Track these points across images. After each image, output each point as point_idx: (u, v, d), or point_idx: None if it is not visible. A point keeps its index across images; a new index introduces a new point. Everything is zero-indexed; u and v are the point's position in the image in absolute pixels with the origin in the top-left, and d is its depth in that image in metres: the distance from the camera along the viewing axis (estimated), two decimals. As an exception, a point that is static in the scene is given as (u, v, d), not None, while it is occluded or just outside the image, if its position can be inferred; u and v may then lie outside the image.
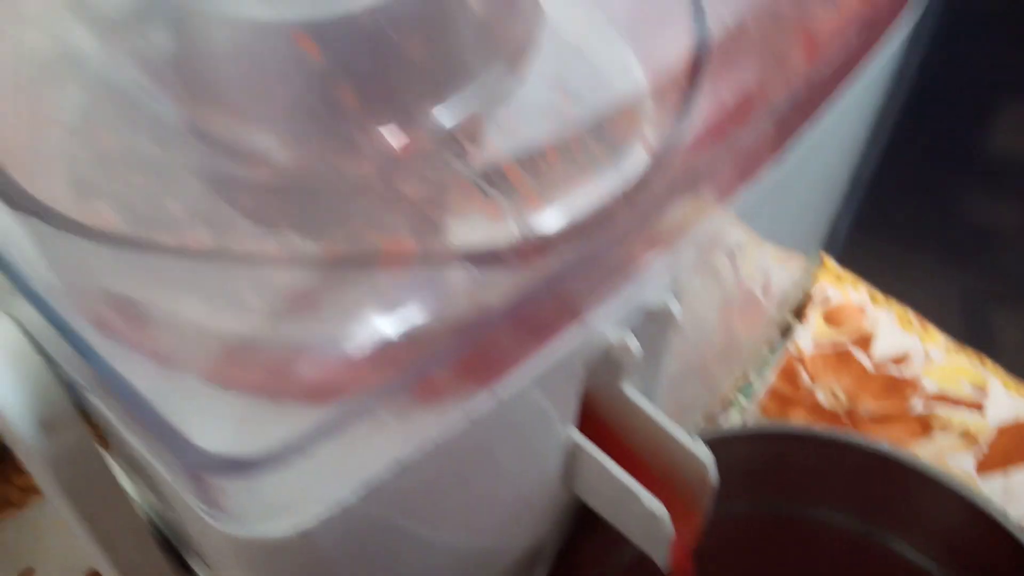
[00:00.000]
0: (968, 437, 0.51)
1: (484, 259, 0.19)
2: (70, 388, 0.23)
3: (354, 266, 0.19)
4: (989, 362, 0.53)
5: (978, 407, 0.52)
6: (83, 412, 0.23)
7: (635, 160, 0.21)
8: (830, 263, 0.56)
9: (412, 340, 0.19)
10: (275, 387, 0.19)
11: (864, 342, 0.54)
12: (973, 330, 1.05)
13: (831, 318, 0.56)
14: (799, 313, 0.44)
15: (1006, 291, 1.06)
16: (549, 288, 0.20)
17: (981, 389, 0.52)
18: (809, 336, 0.54)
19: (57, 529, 0.46)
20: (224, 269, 0.19)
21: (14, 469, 0.49)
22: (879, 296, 0.56)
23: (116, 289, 0.19)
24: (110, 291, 0.19)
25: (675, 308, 0.24)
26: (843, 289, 0.56)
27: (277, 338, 0.19)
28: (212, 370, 0.19)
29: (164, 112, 0.21)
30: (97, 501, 0.26)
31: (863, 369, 0.54)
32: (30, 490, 0.48)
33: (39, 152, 0.21)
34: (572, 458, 0.27)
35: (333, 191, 0.20)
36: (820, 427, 0.38)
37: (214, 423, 0.18)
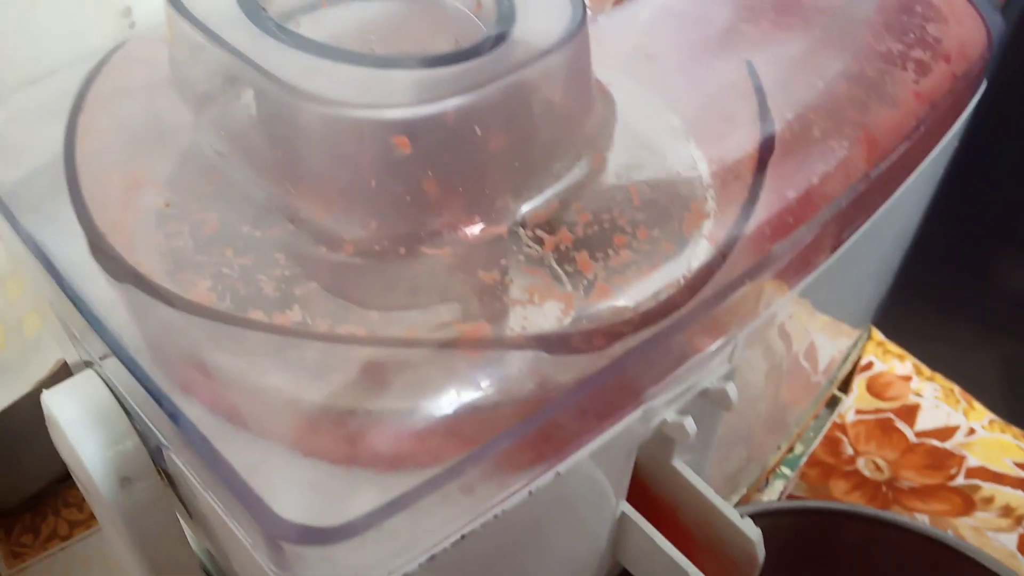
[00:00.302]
0: (1010, 514, 0.50)
1: (554, 344, 0.20)
2: (147, 441, 0.24)
3: (431, 346, 0.20)
4: (1034, 440, 0.52)
5: (1022, 484, 0.51)
6: (157, 464, 0.24)
7: (700, 251, 0.22)
8: (876, 333, 0.56)
9: (482, 418, 0.20)
10: (350, 455, 0.20)
11: (907, 413, 0.54)
12: (1013, 399, 1.04)
13: (875, 388, 0.56)
14: (845, 385, 0.45)
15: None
16: (613, 373, 0.21)
17: (1025, 467, 0.51)
18: (852, 405, 0.54)
19: (105, 562, 0.47)
20: (308, 343, 0.20)
21: (63, 503, 0.50)
22: (924, 369, 0.56)
23: (202, 355, 0.20)
24: (197, 357, 0.20)
25: (732, 392, 0.24)
26: (887, 359, 0.56)
27: (356, 410, 0.20)
28: (292, 437, 0.20)
29: (255, 191, 0.22)
30: (161, 547, 0.26)
31: (906, 440, 0.53)
32: (78, 523, 0.49)
33: (138, 222, 0.22)
34: (621, 529, 0.28)
35: (414, 274, 0.21)
36: (863, 506, 0.38)
37: (289, 488, 0.19)
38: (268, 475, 0.19)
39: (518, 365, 0.20)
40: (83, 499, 0.50)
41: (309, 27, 0.26)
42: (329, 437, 0.20)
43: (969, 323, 1.08)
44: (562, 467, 0.21)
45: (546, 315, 0.21)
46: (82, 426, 0.23)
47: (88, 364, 0.26)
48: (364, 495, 0.19)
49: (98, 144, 0.24)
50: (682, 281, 0.22)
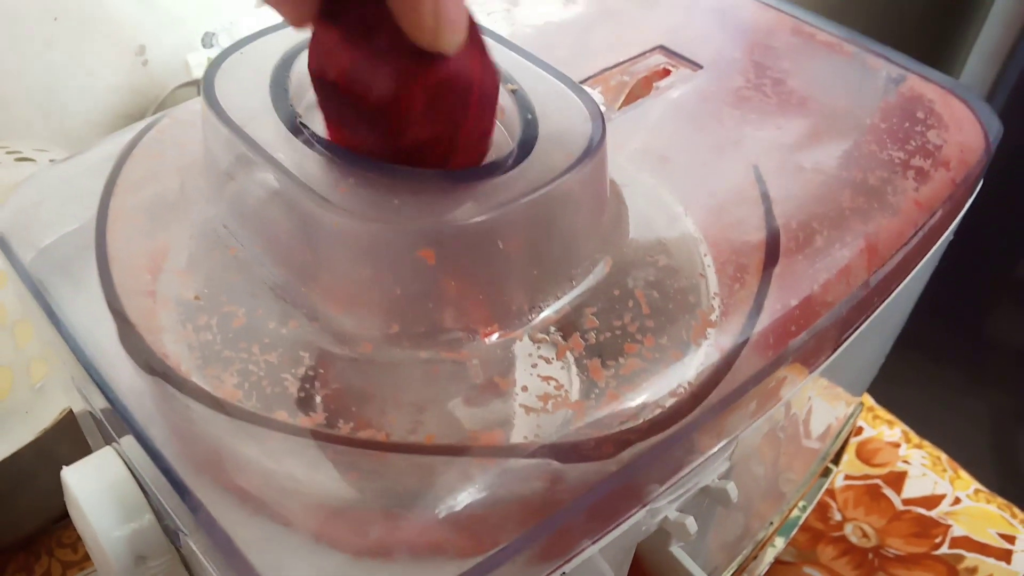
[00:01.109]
0: (995, 585, 0.51)
1: (565, 452, 0.21)
2: (162, 519, 0.24)
3: (447, 453, 0.21)
4: (1019, 512, 0.53)
5: (1006, 555, 0.52)
6: (172, 543, 0.25)
7: (706, 359, 0.23)
8: (866, 398, 0.57)
9: (495, 522, 0.21)
10: (367, 551, 0.20)
11: (895, 480, 0.55)
12: (1000, 453, 1.05)
13: (863, 453, 0.56)
14: (837, 458, 0.46)
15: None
16: (622, 479, 0.22)
17: (1009, 539, 0.52)
18: (841, 470, 0.55)
19: (97, 606, 0.48)
20: (330, 445, 0.21)
21: (57, 543, 0.50)
22: (912, 436, 0.57)
23: (228, 451, 0.21)
24: (222, 451, 0.21)
25: (732, 491, 0.25)
26: (877, 425, 0.57)
27: (374, 509, 0.20)
28: (312, 533, 0.20)
29: (280, 289, 0.23)
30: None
31: (893, 507, 0.54)
32: (72, 564, 0.50)
33: (167, 313, 0.23)
34: (619, 613, 0.28)
35: (433, 377, 0.22)
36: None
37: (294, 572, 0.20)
38: (283, 569, 0.20)
39: (530, 472, 0.21)
40: (77, 540, 0.51)
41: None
42: (347, 533, 0.21)
43: (958, 374, 1.09)
44: (568, 567, 0.22)
45: (558, 422, 0.21)
46: (100, 503, 0.24)
47: (106, 440, 0.27)
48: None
49: (129, 229, 0.25)
50: (688, 389, 0.23)
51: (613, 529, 0.23)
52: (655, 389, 0.22)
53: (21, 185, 0.28)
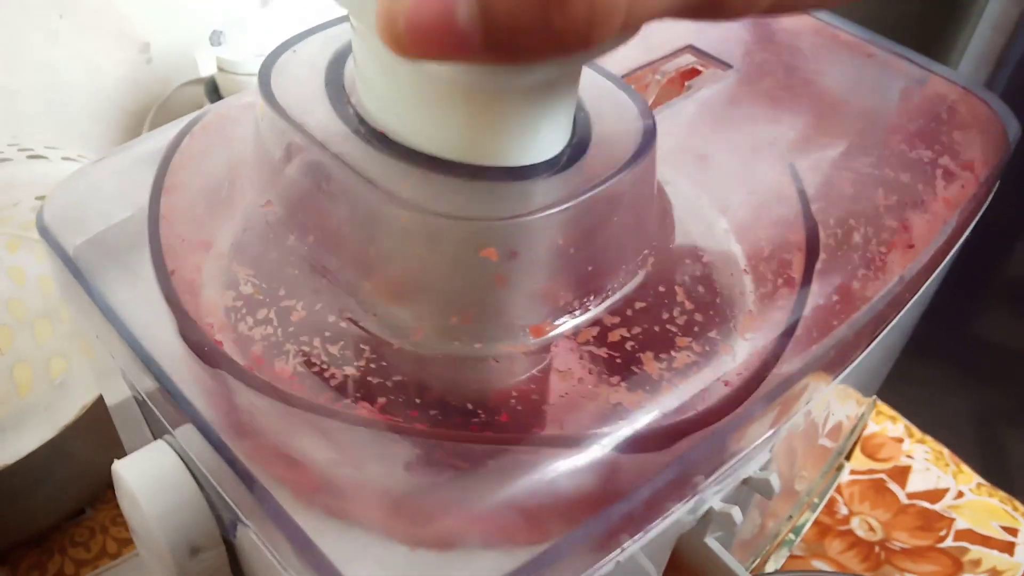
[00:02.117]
0: (997, 577, 0.52)
1: (624, 444, 0.22)
2: (215, 510, 0.25)
3: (506, 443, 0.21)
4: (1020, 505, 0.54)
5: (1009, 548, 0.53)
6: (223, 535, 0.25)
7: (754, 352, 0.24)
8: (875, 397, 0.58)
9: (558, 513, 0.21)
10: (433, 542, 0.21)
11: (899, 475, 0.56)
12: (987, 448, 1.07)
13: (868, 449, 0.57)
14: (849, 453, 0.46)
15: (1021, 410, 1.08)
16: (676, 470, 0.22)
17: (1011, 531, 0.53)
18: (848, 466, 0.56)
19: (113, 604, 0.48)
20: (394, 436, 0.21)
21: (70, 542, 0.50)
22: (915, 431, 0.58)
23: (292, 442, 0.21)
24: (286, 443, 0.21)
25: (775, 482, 0.26)
26: (880, 421, 0.58)
27: (441, 500, 0.21)
28: (376, 523, 0.21)
29: (338, 281, 0.23)
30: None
31: (897, 501, 0.55)
32: (85, 563, 0.49)
33: (226, 306, 0.23)
34: (656, 603, 0.29)
35: (491, 370, 0.22)
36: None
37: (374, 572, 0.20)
38: (353, 558, 0.20)
39: (589, 462, 0.21)
40: (90, 538, 0.50)
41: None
42: (407, 524, 0.21)
43: (948, 373, 1.11)
44: (622, 556, 0.23)
45: (614, 413, 0.22)
46: (156, 495, 0.24)
47: (155, 432, 0.27)
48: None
49: (181, 221, 0.25)
50: (738, 381, 0.23)
51: (665, 518, 0.23)
52: (707, 381, 0.23)
53: (64, 181, 0.28)
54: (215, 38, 0.64)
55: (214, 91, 0.62)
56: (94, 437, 0.42)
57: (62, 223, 0.27)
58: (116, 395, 0.30)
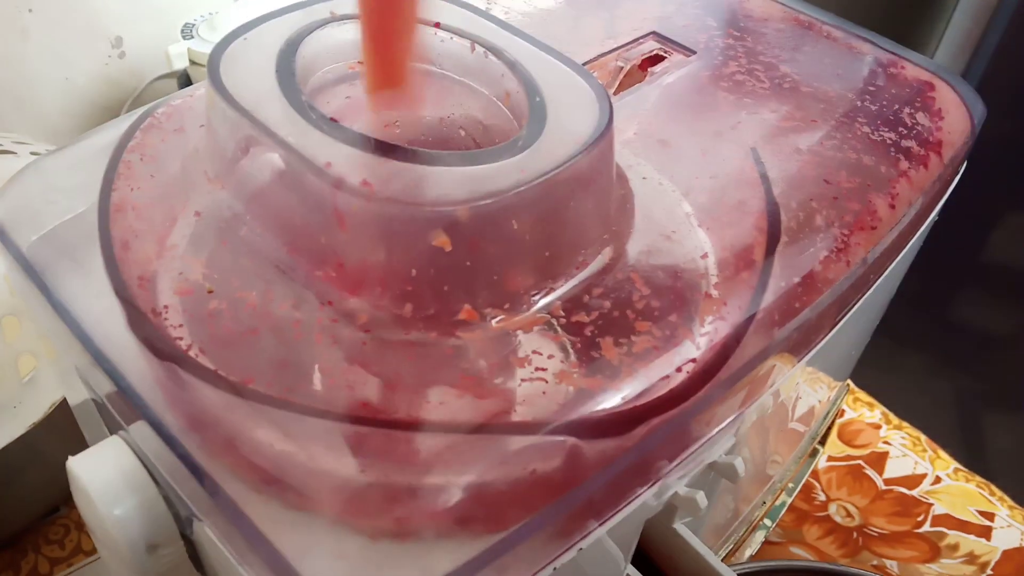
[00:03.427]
0: (975, 561, 0.52)
1: (583, 429, 0.21)
2: (172, 506, 0.24)
3: (465, 431, 0.21)
4: (997, 490, 0.55)
5: (986, 532, 0.53)
6: (182, 531, 0.25)
7: (715, 336, 0.24)
8: (849, 381, 0.58)
9: (515, 500, 0.21)
10: (388, 532, 0.21)
11: (876, 461, 0.56)
12: (966, 433, 1.07)
13: (845, 435, 0.57)
14: (824, 438, 0.46)
15: (999, 395, 1.09)
16: (637, 454, 0.22)
17: (988, 516, 0.53)
18: (824, 451, 0.56)
19: (86, 603, 0.47)
20: (348, 426, 0.21)
21: (44, 540, 0.50)
22: (892, 417, 0.58)
23: (245, 435, 0.21)
24: (239, 436, 0.21)
25: (740, 466, 0.25)
26: (858, 407, 0.59)
27: (395, 489, 0.20)
28: (331, 514, 0.20)
29: (291, 271, 0.23)
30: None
31: (875, 487, 0.55)
32: (59, 561, 0.49)
33: (177, 298, 0.23)
34: (624, 590, 0.29)
35: (447, 358, 0.22)
36: (846, 566, 0.39)
37: (328, 564, 0.20)
38: (306, 552, 0.20)
39: (548, 449, 0.21)
40: (65, 536, 0.50)
41: (334, 102, 0.27)
42: (364, 515, 0.21)
43: (925, 358, 1.12)
44: (585, 543, 0.22)
45: (574, 399, 0.22)
46: (111, 492, 0.24)
47: (111, 428, 0.27)
48: (401, 572, 0.20)
49: (132, 215, 0.25)
50: (699, 365, 0.23)
51: (628, 504, 0.23)
52: (667, 366, 0.23)
53: (17, 175, 0.27)
54: (187, 31, 0.63)
55: (187, 84, 0.61)
56: (66, 434, 0.42)
57: (14, 219, 0.26)
58: (77, 395, 0.30)
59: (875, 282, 0.29)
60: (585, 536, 0.22)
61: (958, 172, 0.33)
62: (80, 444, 0.32)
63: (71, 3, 0.61)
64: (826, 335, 0.27)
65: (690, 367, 0.23)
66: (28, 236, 0.26)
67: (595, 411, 0.22)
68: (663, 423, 0.22)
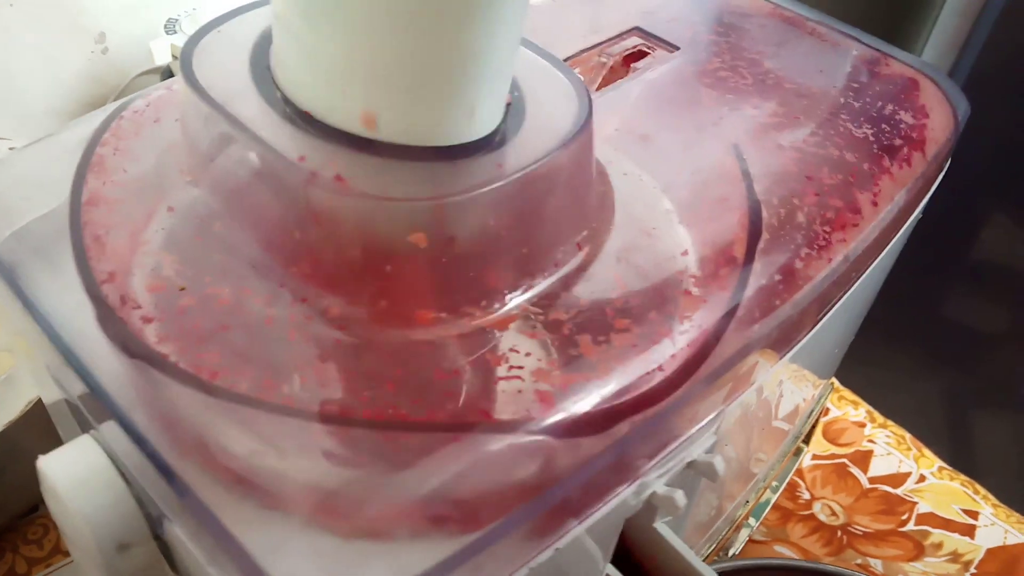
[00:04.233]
0: (959, 559, 0.52)
1: (560, 428, 0.21)
2: (143, 506, 0.24)
3: (441, 429, 0.21)
4: (981, 488, 0.55)
5: (970, 531, 0.53)
6: (153, 530, 0.24)
7: (694, 334, 0.23)
8: (834, 380, 0.58)
9: (491, 499, 0.20)
10: (359, 531, 0.20)
11: (861, 459, 0.56)
12: (954, 431, 1.08)
13: (830, 433, 0.57)
14: (808, 437, 0.46)
15: (987, 393, 1.09)
16: (615, 453, 0.22)
17: (972, 514, 0.54)
18: (809, 449, 0.56)
19: (65, 604, 0.47)
20: (319, 425, 0.20)
21: (23, 539, 0.49)
22: (877, 416, 0.58)
23: (215, 434, 0.21)
24: (208, 435, 0.21)
25: (719, 464, 0.25)
26: (842, 406, 0.58)
27: (367, 487, 0.20)
28: (301, 513, 0.20)
29: (263, 267, 0.23)
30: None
31: (859, 485, 0.55)
32: (37, 561, 0.48)
33: (148, 295, 0.22)
34: (605, 590, 0.29)
35: (424, 355, 0.22)
36: (828, 564, 0.39)
37: (297, 563, 0.20)
38: (276, 551, 0.20)
39: (524, 448, 0.21)
40: (43, 536, 0.49)
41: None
42: (337, 514, 0.20)
43: (914, 356, 1.12)
44: (562, 543, 0.22)
45: (550, 398, 0.21)
46: (81, 492, 0.23)
47: (83, 428, 0.26)
48: (373, 572, 0.20)
49: (104, 210, 0.25)
50: (677, 363, 0.23)
51: (605, 504, 0.23)
52: (645, 364, 0.23)
53: (-12, 169, 0.27)
54: (170, 26, 0.62)
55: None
56: (45, 433, 0.41)
57: (-14, 214, 0.26)
58: (51, 394, 0.29)
59: (857, 280, 0.29)
60: (562, 535, 0.22)
61: (942, 169, 0.33)
62: (59, 442, 0.31)
63: (53, -2, 0.60)
64: (808, 332, 0.27)
65: (669, 365, 0.23)
66: (1, 232, 0.26)
67: (572, 409, 0.21)
68: (641, 421, 0.22)
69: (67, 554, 0.48)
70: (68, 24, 0.62)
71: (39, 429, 0.42)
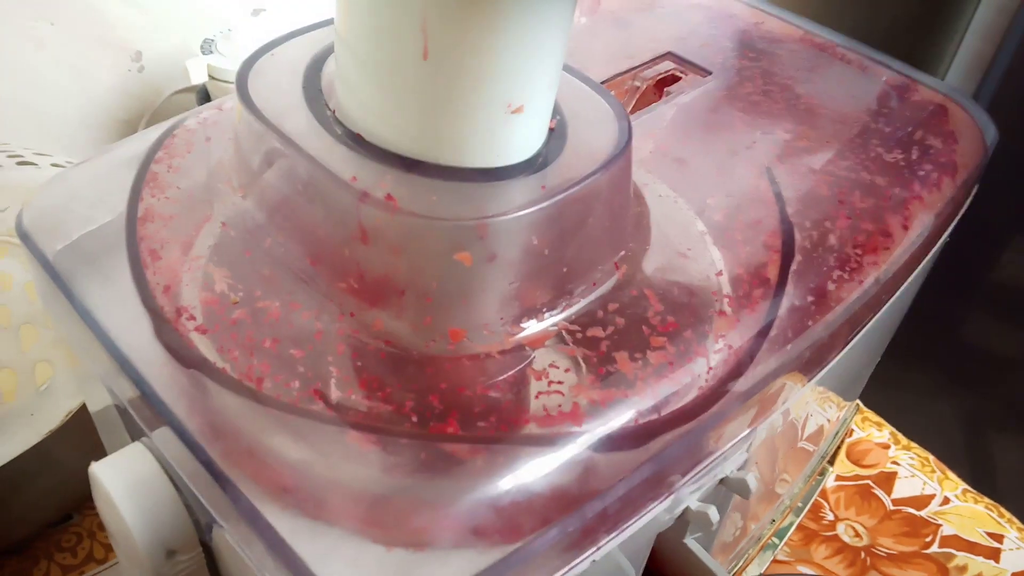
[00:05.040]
0: (983, 583, 0.52)
1: (600, 443, 0.22)
2: (192, 513, 0.25)
3: (481, 442, 0.21)
4: (1006, 512, 0.54)
5: (994, 554, 0.53)
6: (200, 537, 0.25)
7: (729, 353, 0.24)
8: (858, 402, 0.58)
9: (533, 510, 0.21)
10: (407, 541, 0.21)
11: (885, 481, 0.56)
12: (973, 453, 1.07)
13: (853, 455, 0.57)
14: (832, 457, 0.47)
15: (1007, 415, 1.08)
16: (652, 468, 0.22)
17: (997, 538, 0.53)
18: (833, 470, 0.56)
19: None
20: (369, 435, 0.21)
21: (56, 548, 0.50)
22: (900, 437, 0.58)
23: (267, 443, 0.21)
24: (260, 443, 0.21)
25: (752, 481, 0.26)
26: (866, 427, 0.59)
27: (416, 499, 0.21)
28: (352, 523, 0.21)
29: (313, 282, 0.23)
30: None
31: (883, 507, 0.55)
32: (71, 568, 0.49)
33: (202, 307, 0.23)
34: (634, 604, 0.29)
35: (465, 369, 0.22)
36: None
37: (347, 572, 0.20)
38: (324, 559, 0.20)
39: (565, 461, 0.21)
40: (77, 544, 0.50)
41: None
42: (383, 524, 0.21)
43: (934, 379, 1.11)
44: (598, 555, 0.23)
45: (590, 412, 0.22)
46: (132, 498, 0.24)
47: (133, 435, 0.27)
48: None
49: (158, 224, 0.25)
50: (712, 380, 0.23)
51: (641, 517, 0.23)
52: (682, 380, 0.23)
53: (43, 186, 0.28)
54: (206, 46, 0.64)
55: (206, 99, 0.62)
56: (80, 443, 0.42)
57: (42, 228, 0.27)
58: (98, 401, 0.30)
59: (887, 302, 0.29)
60: (598, 548, 0.23)
61: (970, 194, 0.33)
62: (94, 452, 0.32)
63: (92, 17, 0.62)
64: (838, 353, 0.28)
65: (704, 383, 0.23)
66: (54, 245, 0.27)
67: (610, 424, 0.22)
68: (677, 437, 0.23)
69: (100, 562, 0.49)
70: (105, 42, 0.64)
71: (75, 440, 0.43)
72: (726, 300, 0.25)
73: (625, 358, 0.23)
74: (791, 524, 0.46)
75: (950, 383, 1.14)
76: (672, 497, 0.24)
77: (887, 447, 0.58)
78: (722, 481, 0.26)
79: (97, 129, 0.66)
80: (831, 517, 0.54)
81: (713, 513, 0.25)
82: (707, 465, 0.24)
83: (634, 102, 0.32)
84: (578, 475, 0.22)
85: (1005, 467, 1.06)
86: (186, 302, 0.23)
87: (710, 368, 0.23)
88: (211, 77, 0.60)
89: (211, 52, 0.62)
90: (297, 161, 0.23)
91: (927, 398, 1.10)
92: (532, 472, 0.21)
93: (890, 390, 0.62)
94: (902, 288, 0.31)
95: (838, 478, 0.56)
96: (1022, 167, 0.90)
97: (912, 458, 0.57)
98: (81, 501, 0.51)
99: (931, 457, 0.57)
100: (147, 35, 0.65)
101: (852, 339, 0.28)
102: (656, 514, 0.24)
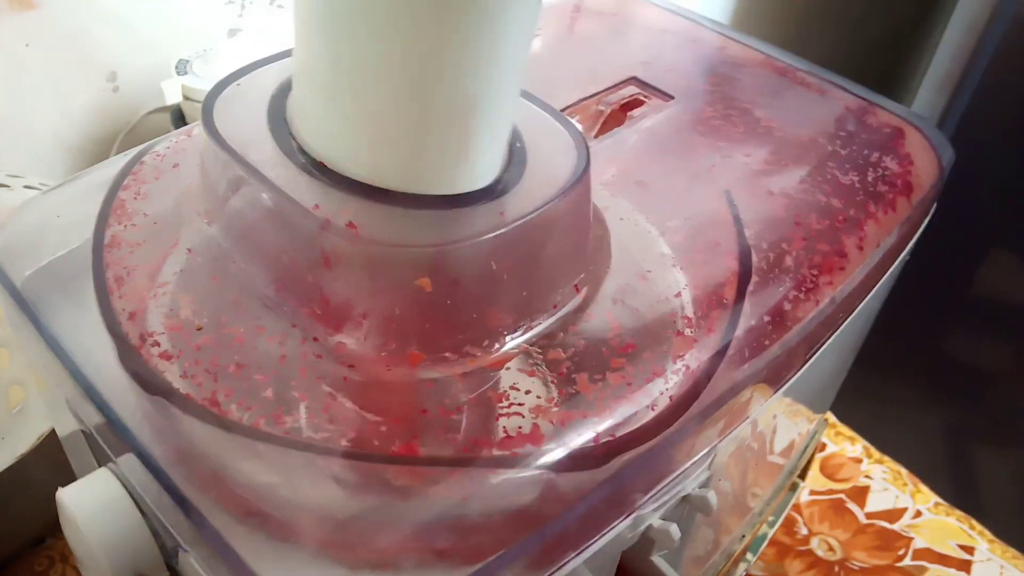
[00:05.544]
0: (955, 595, 0.53)
1: (558, 463, 0.22)
2: (158, 537, 0.25)
3: (444, 464, 0.22)
4: (977, 524, 0.55)
5: (965, 566, 0.54)
6: (167, 561, 0.25)
7: (687, 372, 0.24)
8: (828, 415, 0.59)
9: (491, 531, 0.21)
10: (367, 562, 0.21)
11: (858, 495, 0.57)
12: (956, 469, 1.08)
13: (827, 469, 0.58)
14: (803, 472, 0.47)
15: (989, 428, 1.10)
16: (611, 487, 0.23)
17: (968, 550, 0.54)
18: (806, 485, 0.56)
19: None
20: (331, 458, 0.21)
21: (31, 571, 0.50)
22: (873, 451, 0.59)
23: (232, 467, 0.22)
24: (225, 468, 0.22)
25: (712, 499, 0.26)
26: (839, 441, 0.59)
27: (375, 520, 0.21)
28: (314, 545, 0.21)
29: (277, 307, 0.24)
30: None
31: (856, 521, 0.56)
32: (45, 591, 0.49)
33: (167, 334, 0.24)
34: (602, 622, 0.29)
35: (427, 393, 0.23)
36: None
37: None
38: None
39: (525, 481, 0.22)
40: (49, 568, 0.50)
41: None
42: (345, 546, 0.21)
43: (913, 392, 1.13)
44: (561, 574, 0.23)
45: (550, 433, 0.22)
46: (99, 522, 0.24)
47: (100, 460, 0.27)
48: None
49: (125, 250, 0.26)
50: (671, 401, 0.24)
51: (603, 536, 0.24)
52: (640, 401, 0.24)
53: (15, 211, 0.28)
54: (182, 67, 0.64)
55: (180, 119, 0.62)
56: (54, 465, 0.42)
57: (12, 254, 0.27)
58: (66, 426, 0.30)
59: (845, 320, 0.30)
60: (561, 567, 0.23)
61: (928, 213, 0.34)
62: (68, 474, 0.32)
63: (67, 37, 0.62)
64: (797, 371, 0.28)
65: (662, 402, 0.24)
66: (23, 270, 0.27)
67: (570, 444, 0.22)
68: (637, 457, 0.23)
69: (73, 585, 0.49)
70: (80, 62, 0.64)
71: (48, 462, 0.43)
72: (684, 321, 0.25)
73: (585, 379, 0.23)
74: (764, 537, 0.46)
75: (932, 396, 1.15)
76: (633, 516, 0.24)
77: (860, 461, 0.59)
78: (684, 499, 0.27)
79: (72, 150, 0.66)
80: (805, 531, 0.55)
81: (675, 530, 0.25)
82: (668, 483, 0.25)
83: (598, 126, 0.33)
84: (539, 495, 0.22)
85: (986, 480, 1.07)
86: (151, 328, 0.24)
87: (667, 388, 0.24)
88: (186, 97, 0.60)
89: (186, 72, 0.62)
90: (261, 190, 0.23)
91: (909, 411, 1.11)
92: (494, 493, 0.22)
93: (872, 403, 0.63)
94: (860, 306, 0.32)
95: (812, 492, 0.56)
96: (995, 184, 0.92)
97: (885, 471, 0.58)
98: (56, 524, 0.50)
99: (903, 470, 0.58)
100: (122, 55, 0.66)
101: (811, 357, 0.29)
102: (618, 532, 0.25)
